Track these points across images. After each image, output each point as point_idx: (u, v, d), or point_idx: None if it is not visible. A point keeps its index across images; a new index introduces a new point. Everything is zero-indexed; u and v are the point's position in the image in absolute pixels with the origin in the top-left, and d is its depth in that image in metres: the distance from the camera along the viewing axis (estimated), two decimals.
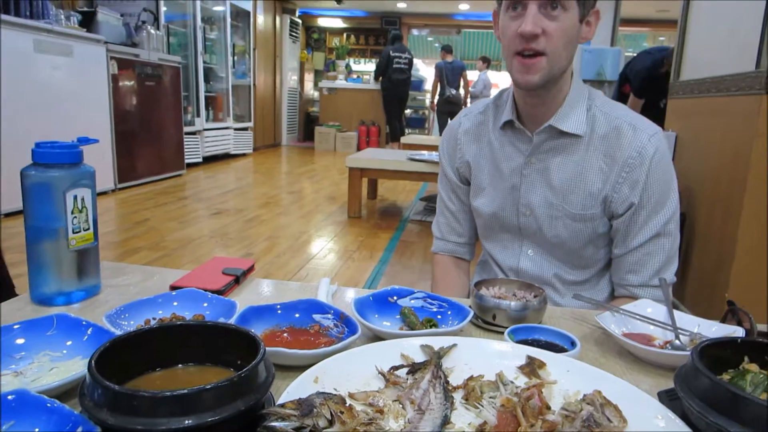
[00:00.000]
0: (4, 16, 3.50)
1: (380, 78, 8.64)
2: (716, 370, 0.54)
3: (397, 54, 8.31)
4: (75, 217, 0.81)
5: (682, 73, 2.59)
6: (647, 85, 3.57)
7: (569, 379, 0.59)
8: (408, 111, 10.13)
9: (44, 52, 3.75)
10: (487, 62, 9.11)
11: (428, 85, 10.56)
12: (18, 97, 3.55)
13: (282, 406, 0.47)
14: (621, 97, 3.75)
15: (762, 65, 1.85)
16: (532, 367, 0.61)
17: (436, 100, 8.75)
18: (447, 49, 8.70)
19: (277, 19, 9.53)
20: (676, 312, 0.80)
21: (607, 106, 1.04)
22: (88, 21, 4.53)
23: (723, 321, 0.80)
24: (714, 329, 0.75)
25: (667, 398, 0.58)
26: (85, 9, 4.79)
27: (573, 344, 0.70)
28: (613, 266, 1.10)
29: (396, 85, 8.39)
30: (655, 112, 3.40)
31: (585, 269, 1.12)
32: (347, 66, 11.50)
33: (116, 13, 4.94)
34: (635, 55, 3.96)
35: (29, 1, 3.87)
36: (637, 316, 0.79)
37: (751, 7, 1.94)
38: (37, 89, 3.72)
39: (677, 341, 0.75)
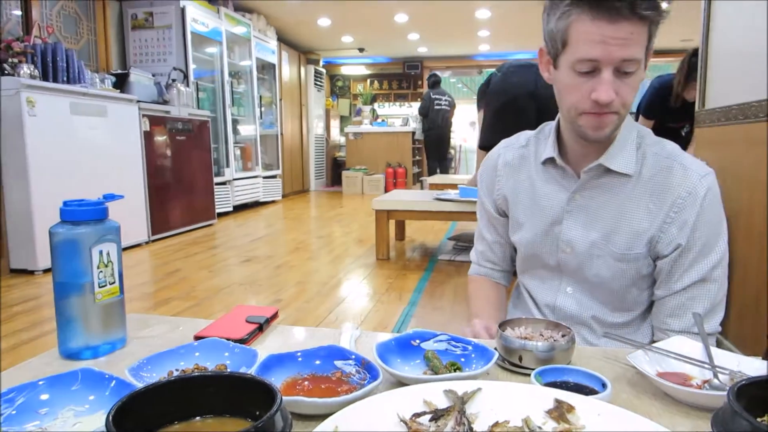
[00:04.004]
0: (44, 83, 3.69)
1: (424, 117, 8.84)
2: (756, 411, 0.51)
3: (437, 96, 8.57)
4: (101, 271, 0.83)
5: (708, 101, 2.55)
6: (654, 103, 3.50)
7: (600, 423, 0.56)
8: None
9: (80, 114, 3.92)
10: None
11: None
12: (56, 158, 3.71)
13: None
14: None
15: None
16: (560, 411, 0.59)
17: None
18: None
19: (302, 69, 9.82)
20: (714, 349, 0.77)
21: (657, 146, 1.02)
22: (121, 82, 4.74)
23: (765, 357, 0.76)
24: (756, 366, 0.72)
25: None
26: (119, 71, 5.02)
27: (604, 386, 0.67)
28: (654, 309, 1.06)
29: (437, 126, 8.61)
30: (677, 140, 3.34)
31: (627, 312, 1.08)
32: (372, 111, 11.72)
33: (148, 73, 5.17)
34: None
35: (66, 67, 4.08)
36: (673, 355, 0.76)
37: None
38: (74, 149, 3.88)
39: (716, 380, 0.71)
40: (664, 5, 0.88)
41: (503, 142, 1.21)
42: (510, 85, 3.25)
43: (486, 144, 3.40)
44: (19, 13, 4.40)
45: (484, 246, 1.27)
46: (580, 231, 1.05)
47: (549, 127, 1.12)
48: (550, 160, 1.07)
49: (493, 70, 3.80)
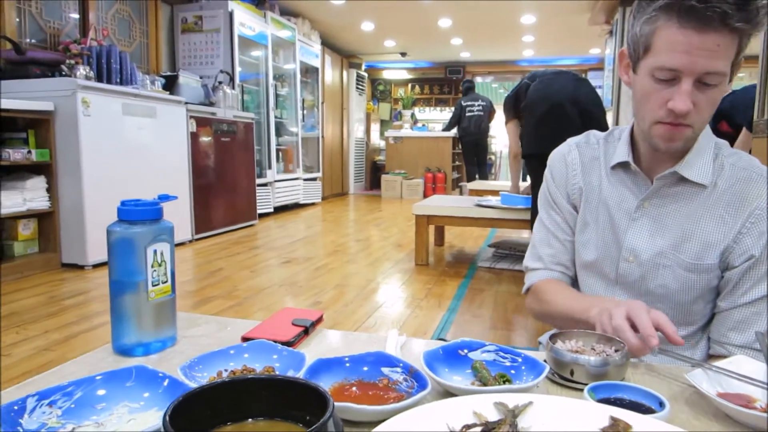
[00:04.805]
0: (98, 84, 3.83)
1: (451, 129, 9.04)
2: None
3: (469, 103, 8.60)
4: (155, 270, 0.85)
5: (767, 110, 2.46)
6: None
7: None
8: None
9: (131, 114, 4.05)
10: None
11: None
12: (107, 156, 3.84)
13: None
14: (717, 135, 3.49)
15: None
16: (616, 430, 0.57)
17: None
18: None
19: (344, 73, 9.90)
20: None
21: (734, 157, 0.99)
22: (170, 84, 4.88)
23: None
24: None
25: None
26: (168, 73, 5.17)
27: (661, 405, 0.65)
28: (714, 321, 1.02)
29: (470, 133, 8.63)
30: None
31: (688, 325, 1.04)
32: (412, 115, 11.73)
33: (196, 75, 5.30)
34: (732, 92, 3.74)
35: (119, 69, 4.22)
36: (735, 375, 0.72)
37: None
38: (124, 148, 4.01)
39: None
40: (762, 16, 0.82)
41: (573, 140, 1.16)
42: (552, 92, 3.19)
43: (530, 152, 3.34)
44: (76, 16, 4.58)
45: (556, 248, 1.15)
46: (646, 239, 1.02)
47: (619, 130, 1.09)
48: (621, 165, 1.04)
49: (519, 84, 3.73)
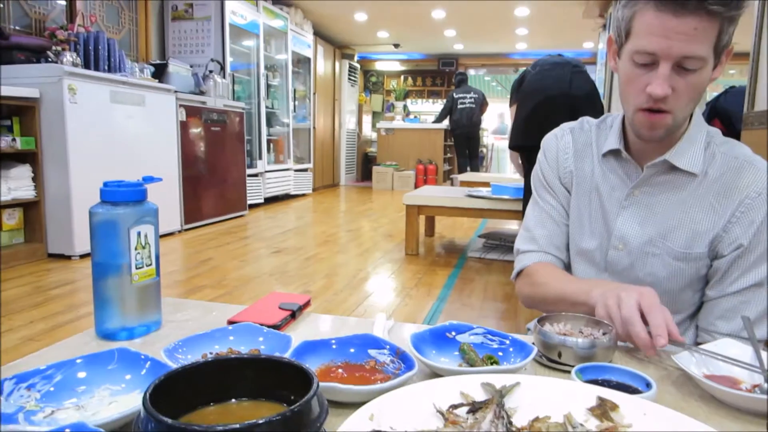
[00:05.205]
0: (86, 71, 3.77)
1: (442, 120, 9.04)
2: None
3: (461, 95, 8.57)
4: (138, 252, 0.83)
5: (757, 103, 2.47)
6: None
7: (646, 423, 0.54)
8: None
9: (119, 102, 4.00)
10: None
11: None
12: (94, 145, 3.80)
13: None
14: None
15: None
16: (603, 409, 0.56)
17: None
18: None
19: (337, 64, 9.85)
20: (765, 353, 0.73)
21: (726, 146, 0.99)
22: (160, 72, 4.83)
23: None
24: None
25: None
26: (158, 62, 5.11)
27: (648, 386, 0.64)
28: (702, 310, 1.02)
29: (460, 125, 8.61)
30: None
31: (676, 314, 1.03)
32: (405, 107, 11.69)
33: (186, 64, 5.24)
34: (728, 89, 3.71)
35: (107, 56, 4.16)
36: (722, 357, 0.72)
37: None
38: (112, 137, 3.96)
39: (766, 384, 0.68)
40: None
41: (567, 125, 1.15)
42: (545, 84, 3.17)
43: (517, 144, 3.31)
44: (63, 2, 4.51)
45: (550, 228, 1.13)
46: (636, 227, 1.02)
47: (611, 118, 1.08)
48: (612, 152, 1.04)
49: (526, 68, 3.69)
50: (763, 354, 0.73)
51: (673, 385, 0.71)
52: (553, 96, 3.08)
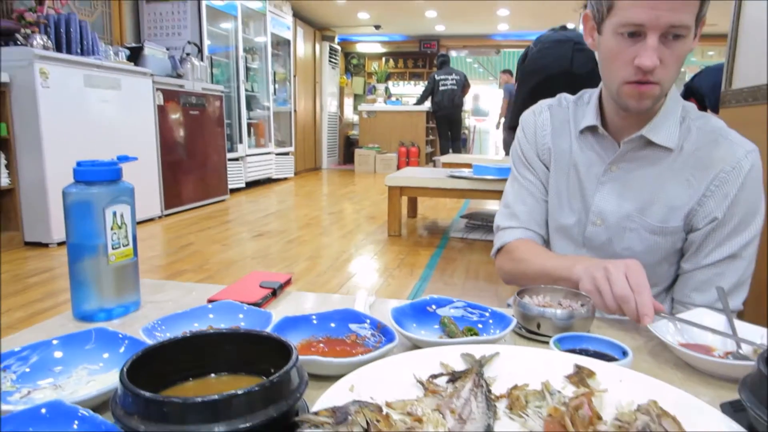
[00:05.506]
0: (57, 54, 3.68)
1: (424, 102, 9.00)
2: None
3: (442, 77, 8.51)
4: (114, 233, 0.82)
5: (735, 81, 2.49)
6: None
7: (622, 389, 0.55)
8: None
9: (94, 87, 3.92)
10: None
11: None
12: (69, 131, 3.72)
13: (316, 413, 0.45)
14: None
15: None
16: (580, 377, 0.57)
17: (503, 121, 8.87)
18: (510, 73, 8.96)
19: (317, 46, 9.74)
20: (737, 322, 0.75)
21: (701, 120, 0.99)
22: (135, 56, 4.72)
23: None
24: None
25: (732, 410, 0.53)
26: (133, 45, 5.00)
27: (625, 354, 0.66)
28: (678, 282, 1.04)
29: (442, 107, 8.58)
30: None
31: (652, 287, 1.04)
32: (386, 89, 11.62)
33: (162, 47, 5.14)
34: (703, 68, 3.76)
35: (80, 39, 4.06)
36: (697, 325, 0.74)
37: None
38: (87, 122, 3.88)
39: (739, 351, 0.70)
40: None
41: (545, 101, 1.15)
42: (545, 63, 3.12)
43: (515, 124, 3.28)
44: None
45: (530, 204, 1.13)
46: (613, 203, 1.02)
47: (588, 94, 1.08)
48: (589, 129, 1.04)
49: (530, 45, 3.63)
50: (736, 323, 0.74)
51: (649, 353, 0.73)
52: (553, 75, 3.04)
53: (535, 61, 3.22)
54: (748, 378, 0.51)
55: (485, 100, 12.89)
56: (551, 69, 3.07)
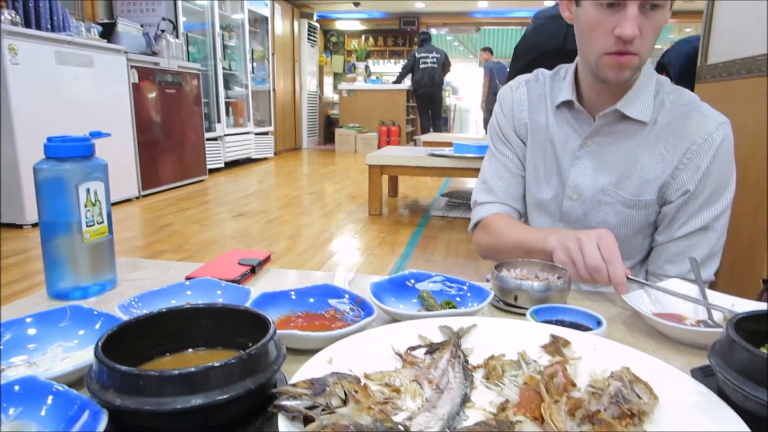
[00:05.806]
0: (26, 30, 3.57)
1: (403, 80, 8.94)
2: (753, 344, 0.50)
3: (423, 55, 8.44)
4: (88, 210, 0.81)
5: (710, 56, 2.51)
6: (687, 71, 3.43)
7: (596, 357, 0.56)
8: None
9: (66, 64, 3.81)
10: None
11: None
12: (42, 108, 3.62)
13: (294, 385, 0.45)
14: None
15: None
16: (556, 346, 0.58)
17: (486, 99, 8.86)
18: (490, 51, 8.94)
19: (295, 23, 9.58)
20: (709, 291, 0.76)
21: (675, 93, 1.00)
22: (108, 32, 4.60)
23: (760, 299, 0.76)
24: (750, 306, 0.72)
25: (702, 375, 0.55)
26: (105, 21, 4.86)
27: (599, 324, 0.67)
28: (652, 255, 1.06)
29: (422, 85, 8.51)
30: None
31: (627, 259, 1.06)
32: (366, 68, 11.51)
33: (136, 23, 5.01)
34: (672, 44, 3.81)
35: (50, 15, 3.94)
36: (670, 292, 0.75)
37: None
38: (60, 100, 3.78)
39: (710, 320, 0.72)
40: None
41: (523, 77, 1.15)
42: (538, 41, 3.08)
43: None
44: None
45: (507, 179, 1.14)
46: (589, 177, 1.04)
47: (564, 69, 1.09)
48: (565, 104, 1.05)
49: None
50: (708, 292, 0.76)
51: (623, 323, 0.74)
52: (546, 53, 3.00)
53: (528, 38, 3.18)
54: (717, 344, 0.52)
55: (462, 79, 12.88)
56: (544, 47, 3.04)
